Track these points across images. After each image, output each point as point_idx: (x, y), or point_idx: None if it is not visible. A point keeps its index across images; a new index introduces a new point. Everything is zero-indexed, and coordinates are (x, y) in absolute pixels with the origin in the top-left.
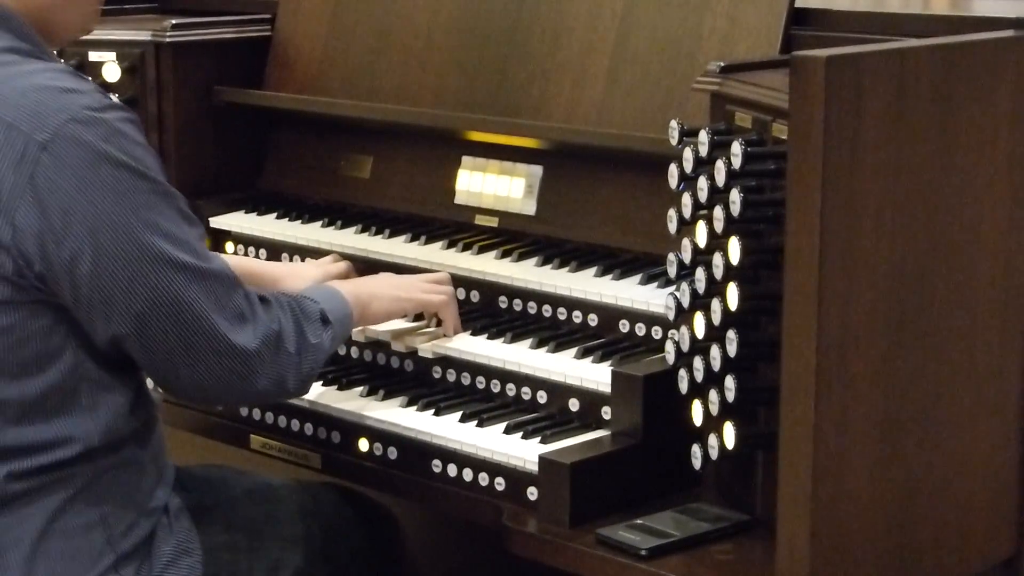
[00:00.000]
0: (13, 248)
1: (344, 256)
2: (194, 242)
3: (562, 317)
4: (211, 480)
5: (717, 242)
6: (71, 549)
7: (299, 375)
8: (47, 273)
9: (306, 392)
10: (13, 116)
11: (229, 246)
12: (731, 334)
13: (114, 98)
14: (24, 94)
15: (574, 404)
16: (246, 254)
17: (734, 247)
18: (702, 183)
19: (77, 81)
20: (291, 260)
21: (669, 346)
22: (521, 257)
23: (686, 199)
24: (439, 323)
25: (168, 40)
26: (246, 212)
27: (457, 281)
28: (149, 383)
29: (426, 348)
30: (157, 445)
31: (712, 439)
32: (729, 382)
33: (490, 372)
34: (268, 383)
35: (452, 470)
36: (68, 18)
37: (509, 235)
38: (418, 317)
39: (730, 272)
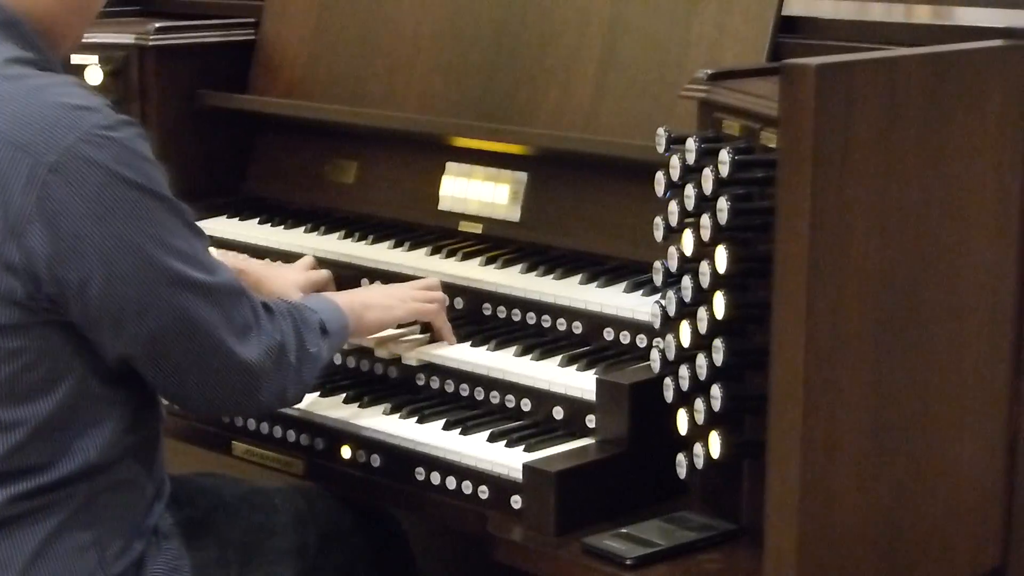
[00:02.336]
0: (24, 271)
1: (328, 262)
2: (202, 256)
3: (547, 324)
4: (205, 491)
5: (704, 250)
6: (63, 571)
7: (298, 385)
8: (57, 295)
9: (300, 401)
10: (22, 136)
11: (212, 251)
12: (718, 342)
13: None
14: (33, 111)
15: (559, 412)
16: None
17: (721, 255)
18: (689, 191)
19: (87, 97)
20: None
21: (655, 354)
22: (506, 264)
23: (673, 207)
24: (425, 330)
25: (152, 43)
26: (229, 217)
27: (441, 288)
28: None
29: (411, 356)
30: (158, 463)
31: (698, 448)
32: (715, 391)
33: (474, 379)
34: (271, 395)
35: (436, 478)
36: (72, 28)
37: (494, 242)
38: (403, 323)
39: (717, 280)
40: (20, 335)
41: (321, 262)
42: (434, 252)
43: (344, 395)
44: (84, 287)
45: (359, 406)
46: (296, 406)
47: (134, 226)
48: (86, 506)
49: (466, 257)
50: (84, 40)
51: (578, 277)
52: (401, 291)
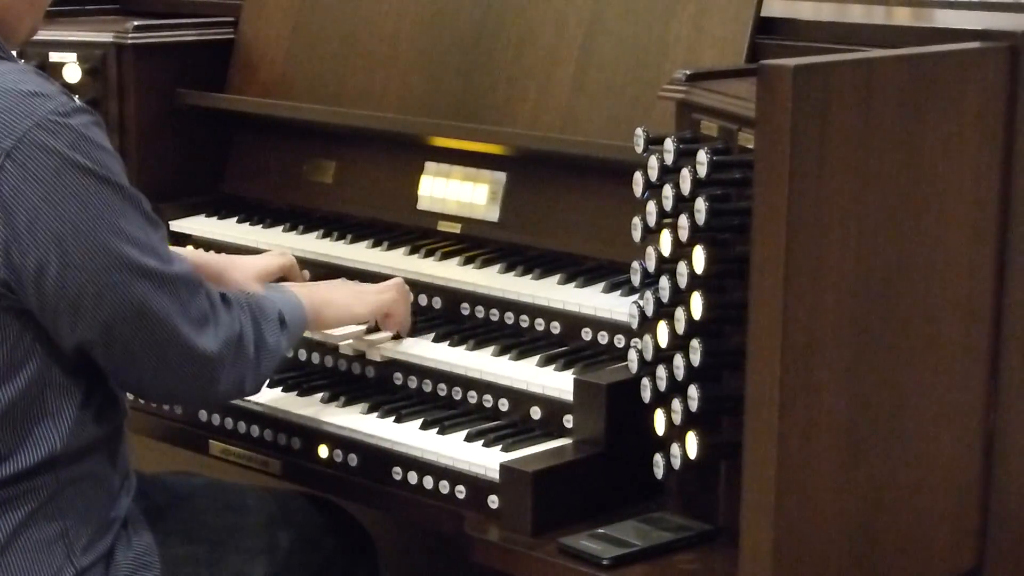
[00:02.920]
0: None
1: (306, 261)
2: (158, 246)
3: (525, 325)
4: (175, 488)
5: (682, 251)
6: (31, 564)
7: (256, 376)
8: (13, 281)
9: (258, 392)
10: None
11: (190, 250)
12: (695, 343)
13: (78, 100)
14: None
15: (536, 412)
16: None
17: (699, 256)
18: (667, 191)
19: (42, 83)
20: None
21: (632, 355)
22: (484, 264)
23: (651, 207)
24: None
25: (130, 41)
26: (207, 216)
27: (419, 287)
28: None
29: (374, 353)
30: (122, 456)
31: (675, 448)
32: (692, 391)
33: (452, 379)
34: (228, 385)
35: (413, 477)
36: (24, 20)
37: (472, 241)
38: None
39: (695, 281)
40: None
41: (300, 262)
42: (412, 252)
43: (321, 394)
44: (40, 273)
45: (337, 405)
46: (274, 406)
47: (88, 212)
48: (52, 499)
49: (444, 257)
50: (62, 38)
51: (556, 277)
52: (363, 289)
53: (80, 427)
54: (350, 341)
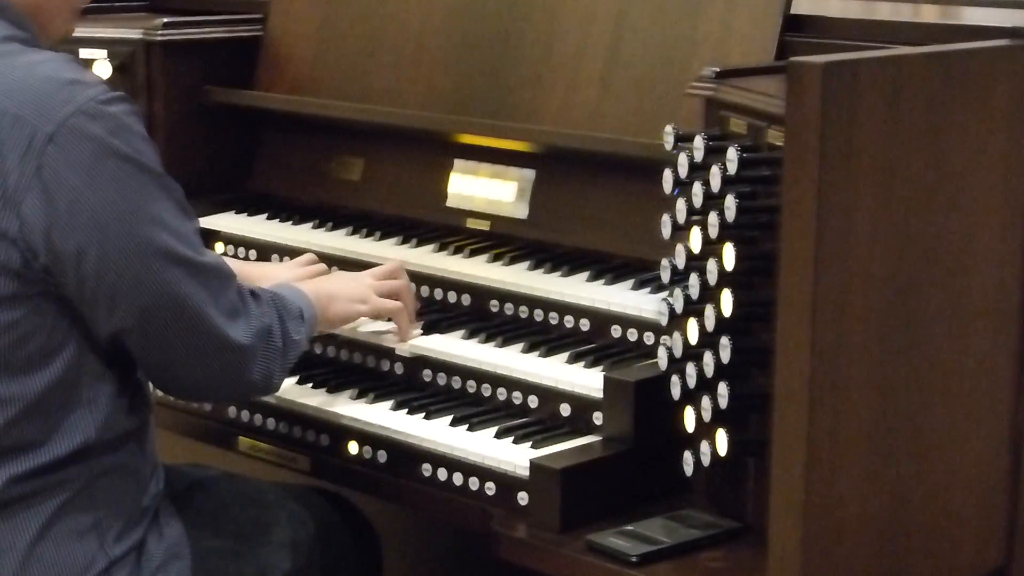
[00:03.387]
0: (20, 240)
1: (334, 258)
2: (192, 236)
3: (553, 322)
4: (202, 483)
5: (711, 248)
6: (64, 554)
7: (283, 370)
8: (53, 265)
9: (278, 390)
10: (19, 107)
11: (219, 247)
12: (724, 340)
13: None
14: (30, 84)
15: (565, 409)
16: (235, 255)
17: (728, 253)
18: (696, 188)
19: (81, 72)
20: (280, 261)
21: (661, 352)
22: (512, 261)
23: (680, 204)
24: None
25: (159, 39)
26: (236, 213)
27: (447, 284)
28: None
29: (404, 348)
30: (151, 449)
31: (704, 445)
32: (722, 388)
33: (480, 376)
34: (258, 377)
35: (442, 474)
36: (58, 17)
37: (500, 239)
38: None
39: (724, 278)
40: (16, 306)
41: (328, 259)
42: (440, 249)
43: (350, 391)
44: (80, 258)
45: (365, 402)
46: (302, 402)
47: (126, 197)
48: (85, 490)
49: (472, 254)
50: (92, 34)
51: (584, 274)
52: (363, 283)
53: (113, 417)
54: (371, 331)
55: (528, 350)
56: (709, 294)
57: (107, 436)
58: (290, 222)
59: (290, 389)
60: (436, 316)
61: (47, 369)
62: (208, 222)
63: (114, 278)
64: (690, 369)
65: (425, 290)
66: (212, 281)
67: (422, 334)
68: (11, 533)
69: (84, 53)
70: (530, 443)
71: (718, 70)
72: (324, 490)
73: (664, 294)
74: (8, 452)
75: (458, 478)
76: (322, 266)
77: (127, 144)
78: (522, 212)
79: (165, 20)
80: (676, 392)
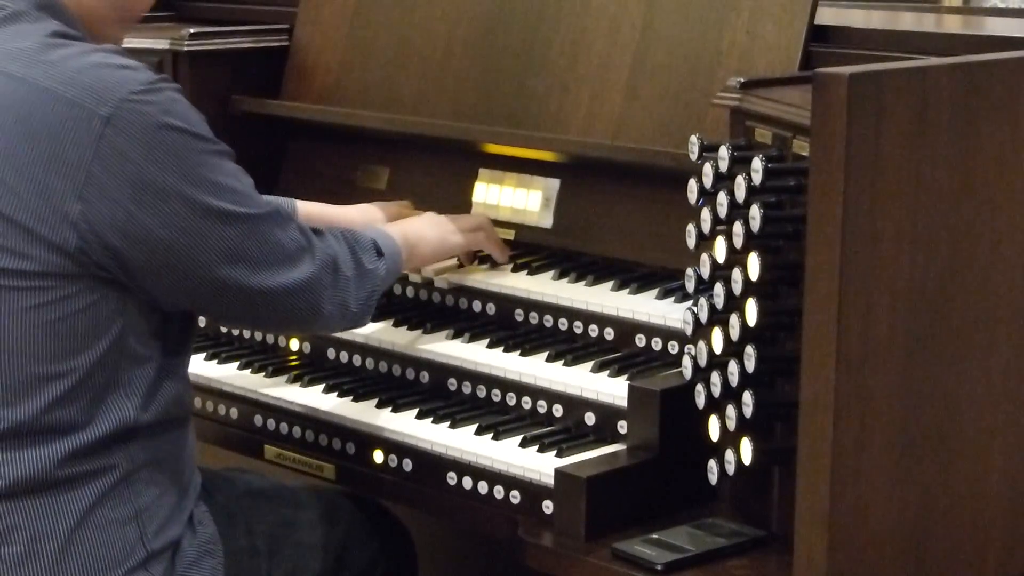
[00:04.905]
0: (81, 223)
1: None
2: (250, 193)
3: (578, 331)
4: (234, 483)
5: (736, 257)
6: (105, 542)
7: (359, 299)
8: (121, 245)
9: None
10: (74, 93)
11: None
12: (749, 349)
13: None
14: (82, 71)
15: (590, 418)
16: None
17: (753, 263)
18: (722, 198)
19: (129, 59)
20: None
21: (686, 360)
22: (537, 270)
23: (705, 214)
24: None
25: (186, 49)
26: None
27: (473, 294)
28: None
29: (441, 279)
30: (190, 448)
31: (729, 454)
32: (747, 397)
33: (506, 385)
34: (333, 308)
35: (467, 483)
36: (111, 26)
37: (525, 248)
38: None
39: (749, 287)
40: (68, 284)
41: None
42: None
43: (376, 399)
44: (149, 232)
45: (391, 410)
46: (328, 410)
47: (187, 167)
48: (126, 479)
49: (498, 263)
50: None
51: (609, 283)
52: (446, 224)
53: (151, 403)
54: (446, 275)
55: (553, 359)
56: (734, 303)
57: (146, 421)
58: None
59: (316, 398)
60: (461, 325)
61: (92, 349)
62: None
63: (186, 246)
64: (715, 378)
65: (450, 299)
66: (274, 230)
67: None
68: (53, 515)
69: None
70: (555, 452)
71: (743, 80)
72: (355, 494)
73: (689, 303)
74: (53, 432)
75: (483, 487)
76: (395, 205)
77: (179, 118)
78: (547, 221)
79: (192, 30)
80: (701, 401)
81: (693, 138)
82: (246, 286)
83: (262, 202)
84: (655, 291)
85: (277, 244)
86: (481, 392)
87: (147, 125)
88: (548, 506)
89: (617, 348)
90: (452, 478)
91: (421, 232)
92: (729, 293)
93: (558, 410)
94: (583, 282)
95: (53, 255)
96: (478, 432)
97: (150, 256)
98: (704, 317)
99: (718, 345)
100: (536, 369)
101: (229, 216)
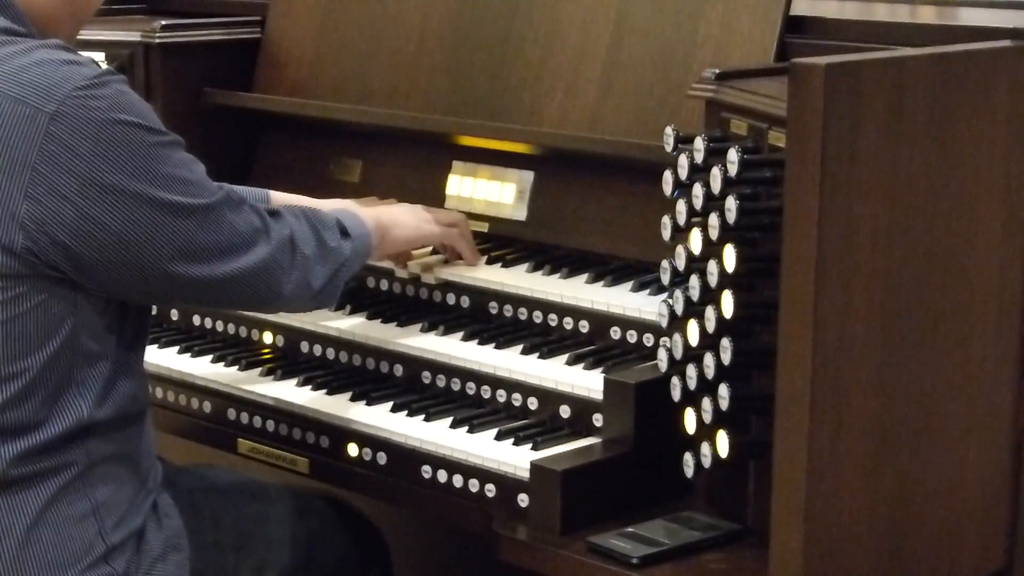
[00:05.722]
0: (29, 223)
1: None
2: (202, 181)
3: (553, 323)
4: (202, 477)
5: (712, 249)
6: (63, 538)
7: (321, 276)
8: (71, 242)
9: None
10: (18, 91)
11: (275, 194)
12: (725, 342)
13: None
14: (26, 69)
15: (565, 411)
16: None
17: (729, 254)
18: (697, 190)
19: (74, 54)
20: None
21: (662, 353)
22: (511, 263)
23: (681, 206)
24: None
25: (157, 41)
26: None
27: (447, 287)
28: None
29: (430, 276)
30: (147, 441)
31: (705, 447)
32: (723, 390)
33: (480, 378)
34: (293, 286)
35: (442, 476)
36: (65, 24)
37: (499, 240)
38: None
39: (725, 280)
40: (17, 284)
41: None
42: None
43: (350, 393)
44: (99, 227)
45: (365, 404)
46: (302, 404)
47: (136, 160)
48: (83, 475)
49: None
50: (90, 37)
51: (584, 276)
52: (423, 212)
53: (107, 400)
54: (409, 265)
55: (528, 352)
56: (710, 296)
57: (102, 418)
58: None
59: (290, 391)
60: (436, 318)
61: (43, 348)
62: None
63: (138, 239)
64: (691, 371)
65: (424, 292)
66: (227, 215)
67: (423, 332)
68: (10, 515)
69: (82, 55)
70: (530, 445)
71: (719, 72)
72: (323, 492)
73: (664, 296)
74: (7, 432)
75: (458, 480)
76: (375, 199)
77: (126, 111)
78: (521, 214)
79: (163, 22)
80: (677, 394)
81: (668, 129)
82: (202, 275)
83: (213, 188)
84: (630, 283)
85: (231, 229)
86: (456, 385)
87: (94, 120)
88: (523, 499)
89: (592, 341)
90: (427, 471)
91: (395, 217)
92: (705, 285)
93: (533, 403)
94: (558, 275)
95: (0, 256)
96: (453, 425)
97: (101, 252)
98: (680, 310)
99: (694, 338)
100: (511, 362)
101: (181, 208)
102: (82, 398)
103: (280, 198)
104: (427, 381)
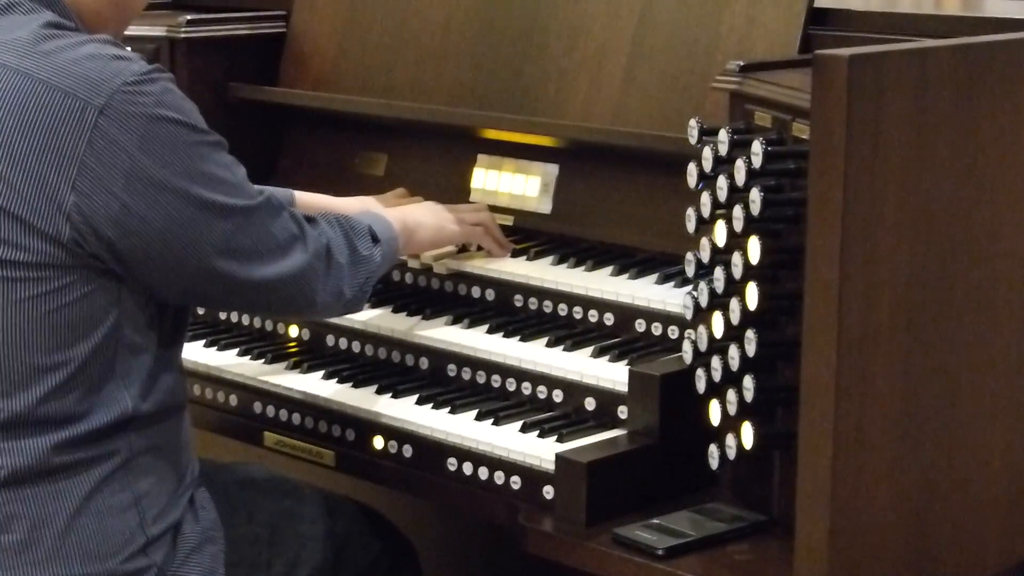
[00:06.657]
0: (75, 214)
1: None
2: (243, 184)
3: (578, 316)
4: (237, 472)
5: (736, 241)
6: (104, 529)
7: (354, 285)
8: (115, 236)
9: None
10: (68, 84)
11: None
12: (750, 334)
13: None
14: (76, 63)
15: (590, 403)
16: None
17: (754, 246)
18: (721, 182)
19: (122, 50)
20: None
21: (686, 345)
22: (536, 256)
23: (705, 198)
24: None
25: (183, 36)
26: None
27: (472, 280)
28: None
29: (440, 265)
30: (186, 435)
31: (730, 439)
32: (747, 382)
33: (505, 370)
34: (327, 294)
35: (467, 468)
36: (111, 22)
37: (524, 233)
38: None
39: (749, 271)
40: (64, 275)
41: None
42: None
43: (376, 386)
44: (144, 223)
45: (391, 397)
46: (328, 397)
47: (180, 158)
48: (126, 465)
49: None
50: None
51: (609, 269)
52: (444, 212)
53: (148, 393)
54: (444, 261)
55: (553, 344)
56: (734, 288)
57: (144, 411)
58: None
59: (315, 384)
60: (461, 311)
61: (88, 339)
62: None
63: (180, 238)
64: (715, 363)
65: (449, 285)
66: (266, 220)
67: (448, 325)
68: (53, 502)
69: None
70: (556, 437)
71: (742, 64)
72: (354, 499)
73: (689, 288)
74: (51, 421)
75: (484, 472)
76: (392, 196)
77: (173, 109)
78: (546, 207)
79: (189, 17)
80: (701, 386)
81: (692, 122)
82: (239, 277)
83: (254, 192)
84: (655, 276)
85: (269, 234)
86: (481, 378)
87: (141, 116)
88: (548, 491)
89: (617, 333)
90: (452, 464)
91: (419, 218)
92: (729, 277)
93: (558, 395)
94: (582, 267)
95: (48, 246)
96: (478, 418)
97: (143, 247)
98: (704, 301)
99: (718, 329)
100: (536, 355)
101: (222, 209)
102: (125, 390)
103: (305, 199)
104: (452, 374)
